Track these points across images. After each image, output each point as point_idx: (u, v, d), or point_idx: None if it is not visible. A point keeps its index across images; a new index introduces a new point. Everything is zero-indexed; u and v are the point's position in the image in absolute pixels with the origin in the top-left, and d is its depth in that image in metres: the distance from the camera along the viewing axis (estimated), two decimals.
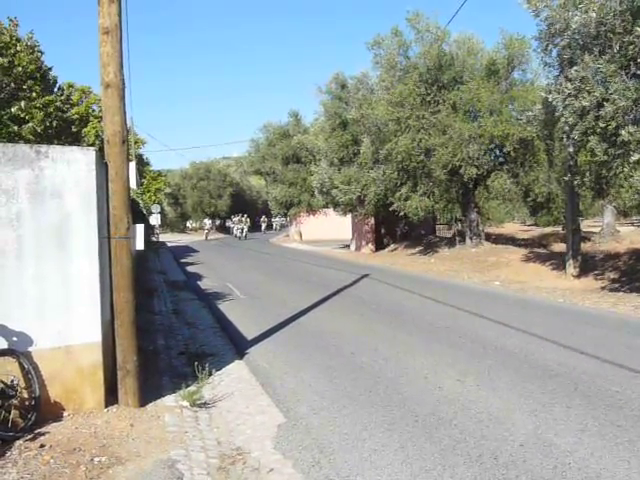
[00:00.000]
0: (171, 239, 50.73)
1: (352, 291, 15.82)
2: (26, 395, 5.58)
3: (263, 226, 65.73)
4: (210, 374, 7.21)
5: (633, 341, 9.40)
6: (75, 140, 22.94)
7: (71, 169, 5.88)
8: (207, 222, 58.08)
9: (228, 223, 61.30)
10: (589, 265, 17.59)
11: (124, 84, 6.33)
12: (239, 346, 9.56)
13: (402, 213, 24.46)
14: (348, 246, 35.52)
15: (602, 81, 11.99)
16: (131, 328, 6.29)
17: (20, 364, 5.56)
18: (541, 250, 23.30)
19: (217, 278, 19.48)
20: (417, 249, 28.09)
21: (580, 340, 9.34)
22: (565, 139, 16.29)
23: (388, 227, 32.22)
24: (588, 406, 6.24)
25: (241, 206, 61.52)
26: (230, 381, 7.53)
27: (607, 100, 11.69)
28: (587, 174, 16.26)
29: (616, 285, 15.03)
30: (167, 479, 4.68)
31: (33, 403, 5.58)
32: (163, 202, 59.96)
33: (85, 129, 26.43)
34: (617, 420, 5.79)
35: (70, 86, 27.77)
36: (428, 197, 23.95)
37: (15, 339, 5.59)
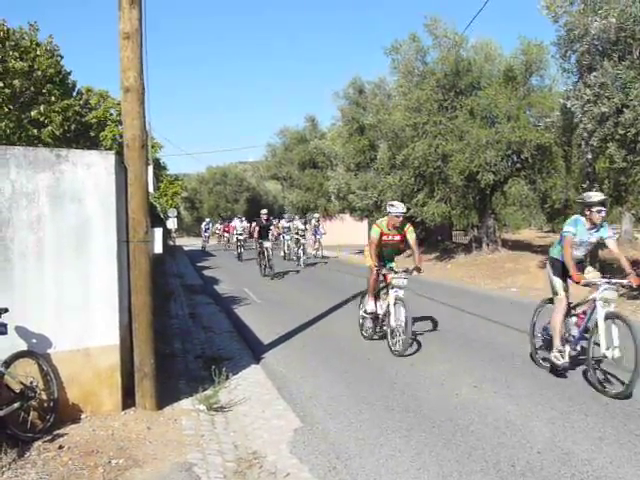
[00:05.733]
0: (187, 243, 50.79)
1: None
2: (45, 397, 5.62)
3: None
4: (227, 378, 7.22)
5: None
6: (93, 144, 23.19)
7: (90, 173, 5.92)
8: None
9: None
10: (607, 272, 17.42)
11: (144, 88, 6.37)
12: (255, 350, 9.56)
13: (419, 219, 24.40)
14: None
15: (621, 87, 11.91)
16: (149, 331, 6.32)
17: (39, 366, 5.60)
18: None
19: (233, 282, 19.50)
20: (433, 255, 27.98)
21: None
22: (583, 145, 16.20)
23: None
24: (606, 414, 6.18)
25: (257, 211, 60.14)
26: (247, 385, 7.53)
27: (627, 106, 11.63)
28: (605, 181, 16.21)
29: (635, 292, 14.88)
30: None
31: (52, 405, 5.63)
32: (180, 206, 60.13)
33: (103, 133, 26.69)
34: (636, 429, 5.73)
35: (89, 90, 28.07)
36: (445, 203, 23.85)
37: (34, 341, 5.64)
